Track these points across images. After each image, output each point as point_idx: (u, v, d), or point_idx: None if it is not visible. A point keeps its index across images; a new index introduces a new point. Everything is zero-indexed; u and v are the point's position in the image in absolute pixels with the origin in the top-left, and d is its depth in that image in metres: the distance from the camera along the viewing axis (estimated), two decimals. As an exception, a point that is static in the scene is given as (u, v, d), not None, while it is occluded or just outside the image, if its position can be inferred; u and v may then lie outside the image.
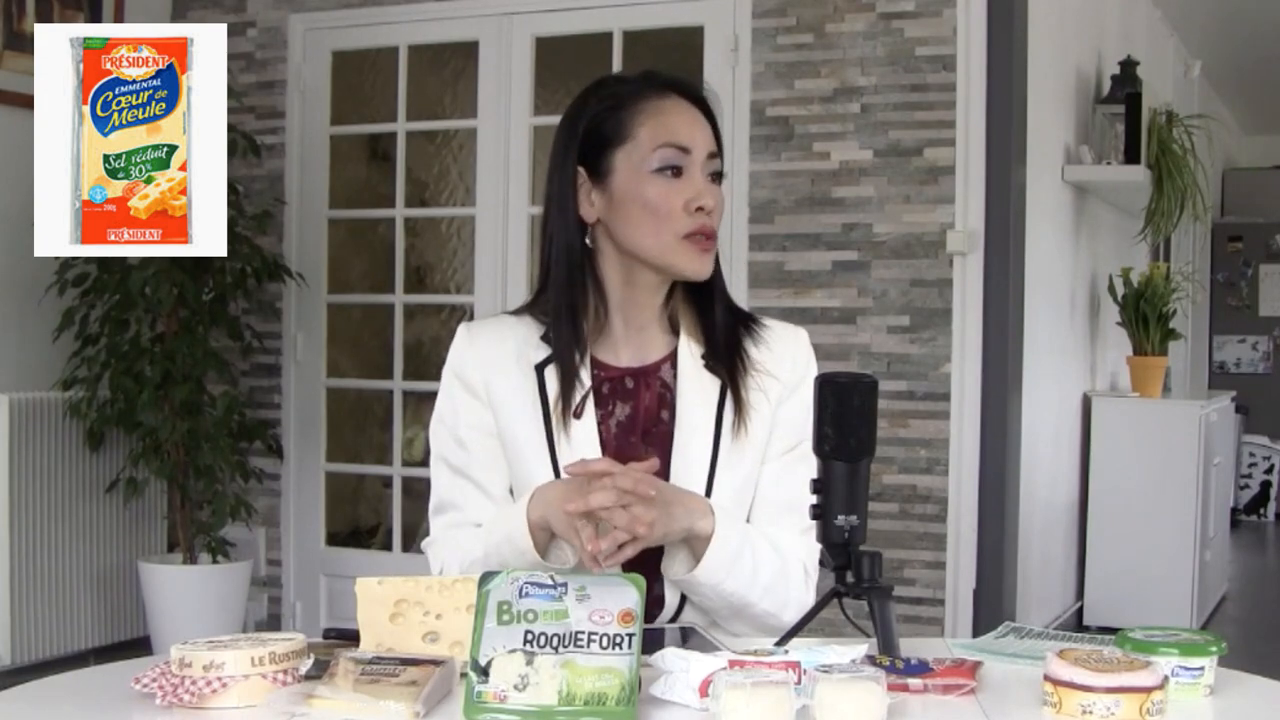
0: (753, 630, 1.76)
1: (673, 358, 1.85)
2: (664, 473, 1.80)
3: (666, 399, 1.84)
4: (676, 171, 1.79)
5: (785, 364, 1.85)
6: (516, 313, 1.90)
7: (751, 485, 1.83)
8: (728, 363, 1.83)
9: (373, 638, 1.47)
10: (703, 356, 1.84)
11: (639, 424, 1.83)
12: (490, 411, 1.84)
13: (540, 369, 1.83)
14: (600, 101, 1.84)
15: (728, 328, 1.84)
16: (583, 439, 1.80)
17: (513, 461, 1.83)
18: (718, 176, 1.83)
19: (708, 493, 1.80)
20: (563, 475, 1.75)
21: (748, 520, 1.84)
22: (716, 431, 1.82)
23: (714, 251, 1.81)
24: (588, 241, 1.83)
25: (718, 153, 1.83)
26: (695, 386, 1.83)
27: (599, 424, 1.82)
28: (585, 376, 1.82)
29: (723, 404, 1.82)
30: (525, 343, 1.85)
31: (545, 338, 1.84)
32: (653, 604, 1.80)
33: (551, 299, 1.83)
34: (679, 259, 1.79)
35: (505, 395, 1.83)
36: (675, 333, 1.86)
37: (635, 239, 1.80)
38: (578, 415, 1.81)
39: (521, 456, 1.81)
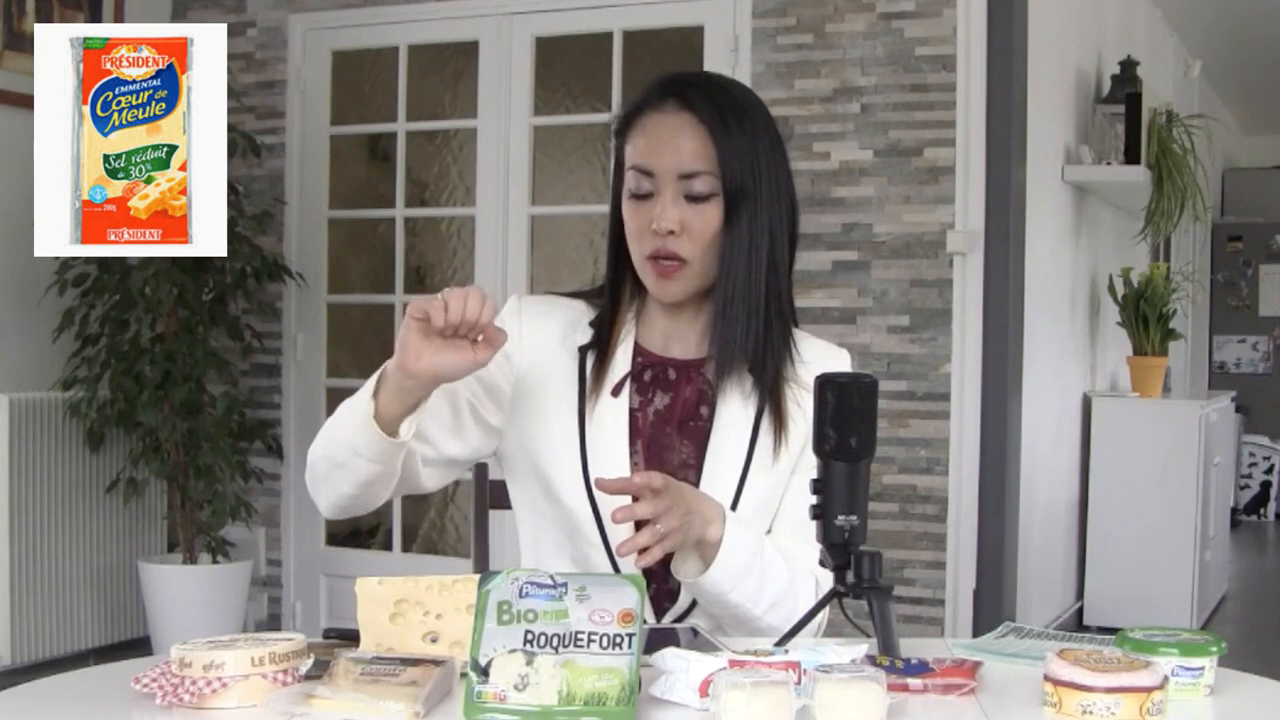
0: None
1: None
2: (696, 468, 1.81)
3: (707, 395, 1.84)
4: (646, 194, 1.77)
5: None
6: (572, 295, 1.91)
7: (779, 494, 1.84)
8: (767, 372, 1.82)
9: (373, 638, 1.47)
10: (747, 362, 1.84)
11: (676, 415, 1.84)
12: (499, 391, 1.83)
13: (584, 350, 1.84)
14: (620, 118, 1.84)
15: (765, 341, 1.82)
16: (613, 421, 1.80)
17: (539, 437, 1.82)
18: (703, 198, 1.76)
19: (737, 494, 1.80)
20: (594, 488, 1.74)
21: (771, 528, 1.84)
22: (753, 435, 1.82)
23: (680, 276, 1.78)
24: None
25: (698, 173, 1.75)
26: (737, 388, 1.83)
27: (637, 409, 1.83)
28: (624, 359, 1.83)
29: (761, 410, 1.83)
30: (574, 325, 1.86)
31: (594, 323, 1.85)
32: (665, 597, 1.81)
33: (606, 287, 1.86)
34: (647, 280, 1.81)
35: (540, 370, 1.83)
36: None
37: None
38: (615, 394, 1.81)
39: (549, 431, 1.81)
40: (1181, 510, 5.23)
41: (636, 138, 1.80)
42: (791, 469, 1.83)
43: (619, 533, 1.69)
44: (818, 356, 1.88)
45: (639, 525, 1.63)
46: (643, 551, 1.61)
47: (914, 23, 4.19)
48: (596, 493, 1.77)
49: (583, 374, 1.83)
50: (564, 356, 1.84)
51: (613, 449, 1.80)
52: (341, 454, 1.68)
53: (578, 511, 1.80)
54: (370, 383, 1.65)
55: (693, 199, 1.76)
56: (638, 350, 1.85)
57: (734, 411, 1.82)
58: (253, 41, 4.95)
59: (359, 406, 1.65)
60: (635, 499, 1.63)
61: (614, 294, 1.85)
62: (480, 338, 1.59)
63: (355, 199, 5.17)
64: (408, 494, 1.82)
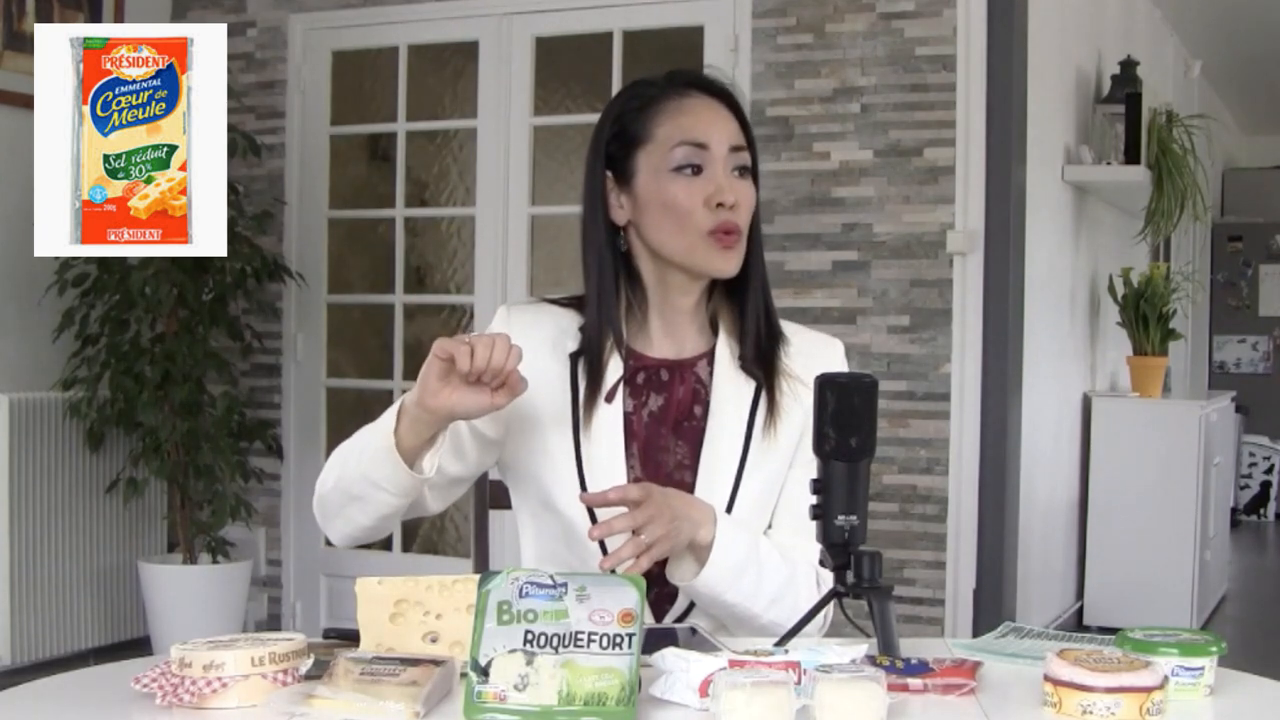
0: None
1: (710, 355, 1.86)
2: (692, 468, 1.81)
3: (700, 395, 1.84)
4: (696, 169, 1.78)
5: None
6: (562, 303, 1.90)
7: (776, 488, 1.83)
8: (764, 365, 1.83)
9: (373, 638, 1.47)
10: (740, 357, 1.84)
11: (671, 416, 1.83)
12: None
13: (575, 357, 1.83)
14: (624, 104, 1.85)
15: (766, 331, 1.84)
16: (608, 428, 1.80)
17: (535, 448, 1.82)
18: (746, 171, 1.82)
19: (734, 492, 1.80)
20: (582, 499, 1.74)
21: (771, 523, 1.83)
22: (748, 432, 1.82)
23: (739, 248, 1.80)
24: (621, 244, 1.84)
25: (744, 146, 1.82)
26: (730, 385, 1.83)
27: (631, 413, 1.82)
28: (617, 363, 1.82)
29: (755, 405, 1.83)
30: (564, 331, 1.85)
31: (584, 328, 1.85)
32: (666, 599, 1.81)
33: (588, 296, 1.84)
34: (703, 258, 1.79)
35: (533, 379, 1.80)
36: (715, 331, 1.87)
37: (661, 240, 1.80)
38: (609, 400, 1.81)
39: (545, 442, 1.81)
40: (1181, 510, 5.22)
41: (669, 119, 1.81)
42: (789, 462, 1.83)
43: (617, 540, 1.68)
44: (811, 348, 1.89)
45: (636, 532, 1.63)
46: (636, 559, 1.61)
47: (914, 23, 4.19)
48: None
49: (575, 381, 1.82)
50: (555, 364, 1.82)
51: (608, 456, 1.79)
52: (358, 486, 1.70)
53: (575, 520, 1.79)
54: (389, 417, 1.67)
55: (739, 170, 1.81)
56: (629, 353, 1.84)
57: (728, 408, 1.83)
58: (253, 41, 4.95)
59: (377, 440, 1.67)
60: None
61: (602, 297, 1.83)
62: (503, 383, 1.61)
63: (355, 199, 5.17)
64: (412, 517, 1.84)
